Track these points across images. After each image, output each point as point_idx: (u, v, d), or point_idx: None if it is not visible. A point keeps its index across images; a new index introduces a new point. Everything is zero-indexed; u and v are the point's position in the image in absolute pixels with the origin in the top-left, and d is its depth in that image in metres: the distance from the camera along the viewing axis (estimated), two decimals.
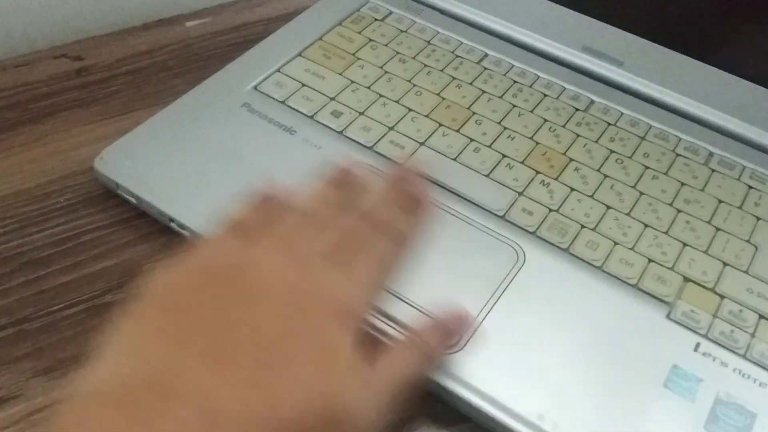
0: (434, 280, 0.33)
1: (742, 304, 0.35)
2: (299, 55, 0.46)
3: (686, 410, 0.31)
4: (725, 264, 0.36)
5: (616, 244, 0.37)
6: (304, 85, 0.44)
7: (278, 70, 0.45)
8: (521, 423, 0.30)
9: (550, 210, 0.38)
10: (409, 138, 0.41)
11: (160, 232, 0.38)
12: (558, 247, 0.36)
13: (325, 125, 0.42)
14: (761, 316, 0.34)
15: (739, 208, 0.39)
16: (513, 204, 0.38)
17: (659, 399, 0.31)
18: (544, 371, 0.32)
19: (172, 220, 0.37)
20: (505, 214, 0.38)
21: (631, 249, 0.37)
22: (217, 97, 0.43)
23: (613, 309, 0.34)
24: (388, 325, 0.32)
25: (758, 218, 0.39)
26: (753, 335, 0.34)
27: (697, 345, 0.33)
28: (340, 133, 0.41)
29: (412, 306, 0.33)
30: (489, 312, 0.33)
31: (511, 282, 0.35)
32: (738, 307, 0.34)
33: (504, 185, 0.39)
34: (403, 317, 0.32)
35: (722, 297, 0.35)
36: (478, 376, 0.31)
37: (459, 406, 0.31)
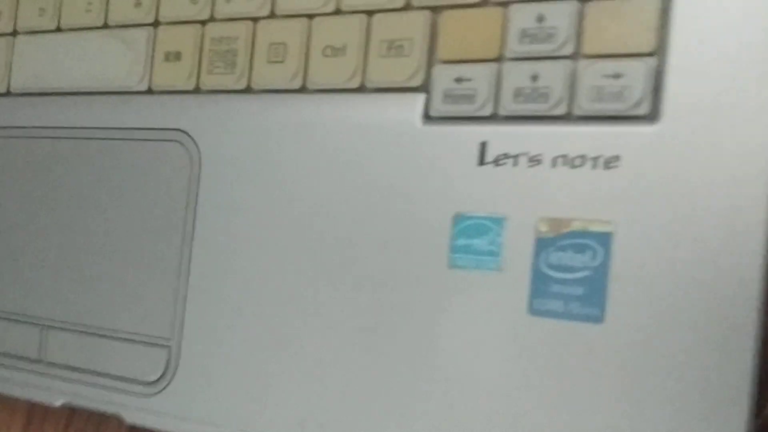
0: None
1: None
2: None
3: (494, 292, 0.18)
4: None
5: None
6: None
7: None
8: None
9: None
10: None
11: None
12: None
13: None
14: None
15: None
16: None
17: (448, 294, 0.18)
18: (294, 351, 0.20)
19: None
20: None
21: None
22: None
23: (355, 151, 0.20)
24: None
25: None
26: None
27: (483, 146, 0.18)
28: None
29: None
30: (188, 282, 0.21)
31: (197, 198, 0.21)
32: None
33: None
34: None
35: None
36: (201, 403, 0.20)
37: None
